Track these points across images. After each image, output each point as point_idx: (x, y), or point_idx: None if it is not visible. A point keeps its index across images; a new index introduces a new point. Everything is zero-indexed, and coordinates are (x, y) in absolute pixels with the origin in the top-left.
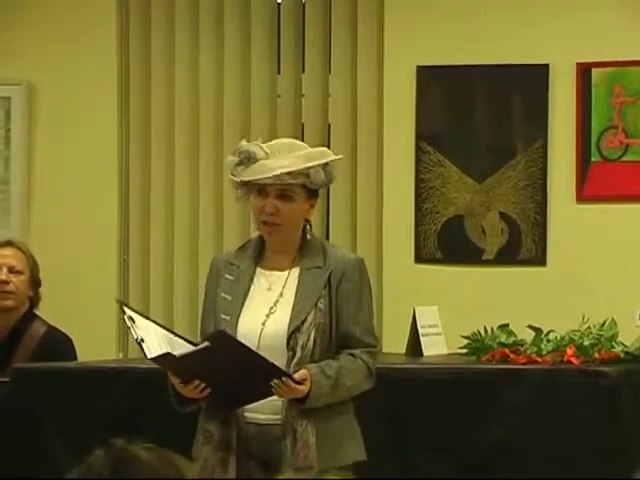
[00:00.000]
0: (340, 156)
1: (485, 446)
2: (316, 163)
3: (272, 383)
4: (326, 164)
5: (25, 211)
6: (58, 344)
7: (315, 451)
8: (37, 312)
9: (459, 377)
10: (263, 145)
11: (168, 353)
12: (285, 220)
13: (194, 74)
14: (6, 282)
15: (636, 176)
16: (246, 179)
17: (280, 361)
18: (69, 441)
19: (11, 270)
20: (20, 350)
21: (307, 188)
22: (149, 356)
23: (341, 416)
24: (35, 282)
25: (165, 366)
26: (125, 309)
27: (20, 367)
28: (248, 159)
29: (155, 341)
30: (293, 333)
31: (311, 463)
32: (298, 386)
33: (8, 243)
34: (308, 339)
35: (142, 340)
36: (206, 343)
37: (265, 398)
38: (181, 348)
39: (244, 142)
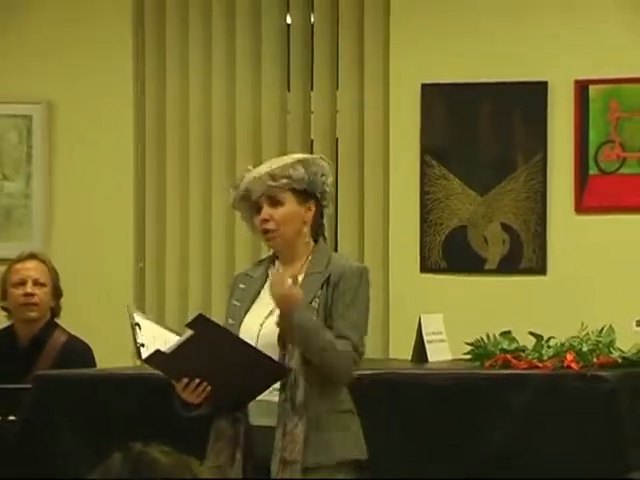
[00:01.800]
0: (318, 156)
1: (488, 448)
2: (290, 160)
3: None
4: (307, 163)
5: (46, 224)
6: (78, 353)
7: (302, 446)
8: (58, 321)
9: (463, 382)
10: (249, 167)
11: (157, 350)
12: (278, 223)
13: (207, 91)
14: (31, 295)
15: (633, 188)
16: (239, 195)
17: (274, 357)
18: (88, 444)
19: (35, 283)
20: (42, 358)
21: (296, 191)
22: (142, 359)
23: (335, 415)
24: (57, 293)
25: (159, 365)
26: (134, 315)
27: (42, 374)
28: (238, 182)
29: (160, 346)
30: None
31: (297, 457)
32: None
33: (31, 256)
34: None
35: (142, 345)
36: (190, 331)
37: (260, 393)
38: None
39: None
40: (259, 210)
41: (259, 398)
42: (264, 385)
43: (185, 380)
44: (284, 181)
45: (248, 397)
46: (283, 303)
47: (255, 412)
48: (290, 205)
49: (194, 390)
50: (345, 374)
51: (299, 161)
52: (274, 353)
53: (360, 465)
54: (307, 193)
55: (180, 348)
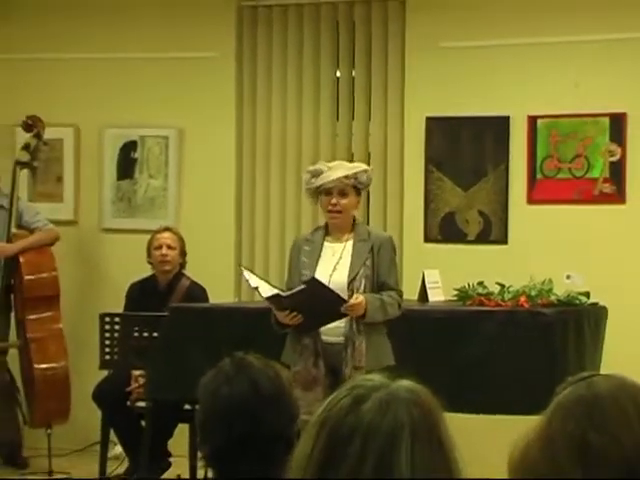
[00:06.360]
0: (371, 167)
1: (468, 358)
2: (359, 169)
3: (342, 309)
4: (366, 171)
5: (177, 208)
6: (198, 292)
7: (365, 357)
8: (184, 272)
9: (452, 315)
10: (325, 163)
11: (277, 294)
12: (343, 209)
13: (284, 122)
14: (165, 255)
15: (565, 188)
16: (318, 184)
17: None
18: (205, 354)
19: (168, 247)
20: (174, 296)
21: (356, 188)
22: (264, 297)
23: (380, 335)
24: (183, 253)
25: (273, 303)
26: (244, 270)
27: (174, 306)
28: (317, 173)
29: (265, 289)
30: (352, 281)
31: (362, 364)
32: (355, 301)
33: (166, 229)
34: (360, 284)
35: (257, 287)
36: (303, 286)
37: (334, 321)
38: None
39: (311, 166)
40: (327, 193)
41: (330, 325)
42: (336, 317)
43: (287, 311)
44: (352, 181)
45: (323, 323)
46: (359, 313)
47: (327, 333)
48: (352, 197)
49: (291, 318)
50: (396, 314)
51: (365, 170)
52: (342, 295)
53: (392, 368)
54: (360, 191)
55: (293, 295)
